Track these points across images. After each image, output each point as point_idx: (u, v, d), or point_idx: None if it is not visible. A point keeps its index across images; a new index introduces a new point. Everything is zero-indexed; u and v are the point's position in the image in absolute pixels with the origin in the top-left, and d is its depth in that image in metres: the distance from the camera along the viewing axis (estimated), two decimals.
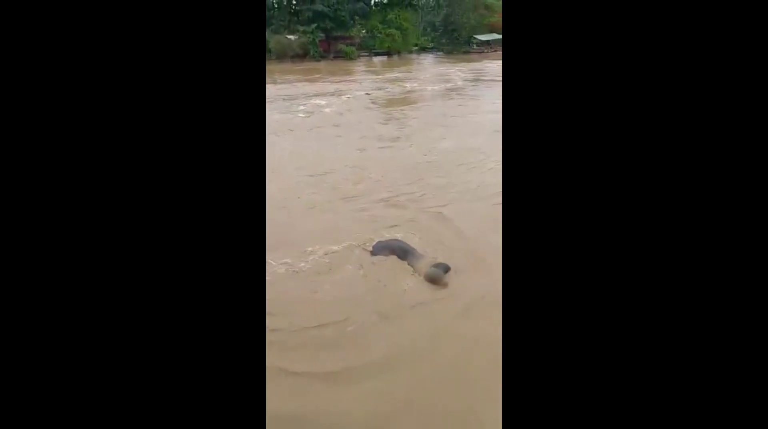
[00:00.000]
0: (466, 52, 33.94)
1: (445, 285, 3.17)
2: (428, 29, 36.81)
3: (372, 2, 37.19)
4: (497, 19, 34.90)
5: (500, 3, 38.53)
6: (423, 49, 36.88)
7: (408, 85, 16.70)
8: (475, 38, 35.22)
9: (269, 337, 2.24)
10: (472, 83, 17.10)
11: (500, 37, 34.89)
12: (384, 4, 36.39)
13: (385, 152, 7.34)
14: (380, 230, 4.09)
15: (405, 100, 13.34)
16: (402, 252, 3.55)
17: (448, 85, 16.39)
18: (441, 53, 34.77)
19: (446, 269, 3.24)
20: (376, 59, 32.70)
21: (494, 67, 22.94)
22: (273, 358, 2.13)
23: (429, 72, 22.50)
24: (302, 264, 3.55)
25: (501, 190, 0.98)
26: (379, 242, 3.76)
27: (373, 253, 3.65)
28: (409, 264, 3.42)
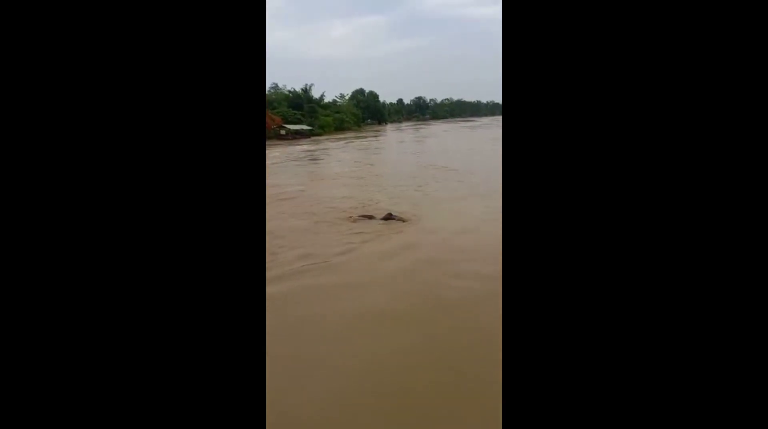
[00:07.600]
0: (281, 138, 41.15)
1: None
2: None
3: None
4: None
5: (311, 105, 48.18)
6: None
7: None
8: (285, 127, 43.04)
9: None
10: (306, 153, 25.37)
11: (309, 128, 43.15)
12: None
13: None
14: None
15: None
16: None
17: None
18: None
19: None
20: None
21: (309, 146, 31.73)
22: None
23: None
24: None
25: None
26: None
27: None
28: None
